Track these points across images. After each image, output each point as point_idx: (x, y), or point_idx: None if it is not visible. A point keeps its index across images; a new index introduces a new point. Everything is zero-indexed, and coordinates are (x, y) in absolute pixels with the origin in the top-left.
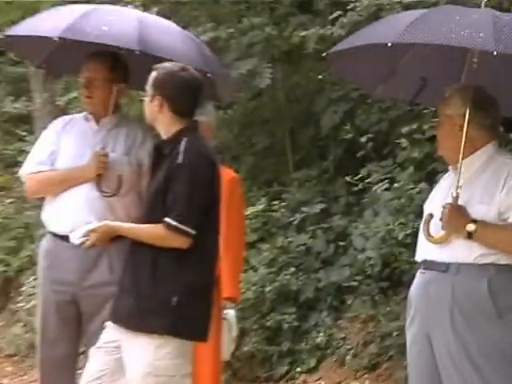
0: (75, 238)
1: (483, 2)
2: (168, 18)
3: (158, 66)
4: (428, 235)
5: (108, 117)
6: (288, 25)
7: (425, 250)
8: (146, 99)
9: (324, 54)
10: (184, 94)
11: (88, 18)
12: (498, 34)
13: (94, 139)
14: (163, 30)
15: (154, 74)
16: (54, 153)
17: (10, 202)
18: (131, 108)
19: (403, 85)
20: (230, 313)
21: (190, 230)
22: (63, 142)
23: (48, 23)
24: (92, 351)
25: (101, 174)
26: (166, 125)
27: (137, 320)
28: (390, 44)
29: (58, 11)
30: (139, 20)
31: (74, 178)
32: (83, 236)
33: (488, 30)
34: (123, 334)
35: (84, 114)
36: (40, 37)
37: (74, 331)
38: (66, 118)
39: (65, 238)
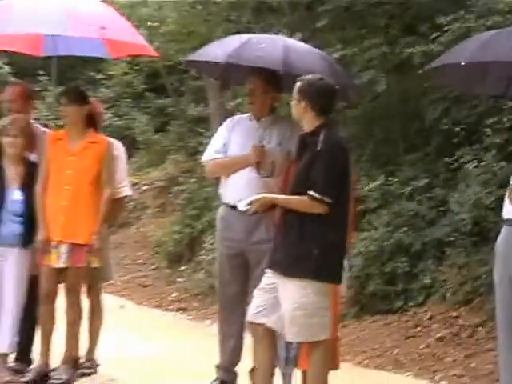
0: (242, 207)
1: None
2: (307, 41)
3: (301, 77)
4: (510, 199)
5: (265, 117)
6: (399, 44)
7: (508, 211)
8: (293, 102)
9: (420, 72)
10: (322, 98)
11: (246, 46)
12: None
13: (255, 134)
14: (303, 53)
15: (299, 83)
16: (226, 144)
17: (194, 181)
18: (282, 109)
19: (494, 84)
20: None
21: (327, 199)
22: (233, 136)
23: (218, 50)
24: (256, 291)
25: (259, 161)
26: (309, 121)
27: (287, 267)
28: (463, 63)
29: (225, 41)
30: (285, 46)
31: (240, 164)
32: (248, 205)
33: None
34: (278, 278)
35: (248, 115)
36: (212, 61)
37: (243, 276)
38: (235, 118)
39: (234, 207)
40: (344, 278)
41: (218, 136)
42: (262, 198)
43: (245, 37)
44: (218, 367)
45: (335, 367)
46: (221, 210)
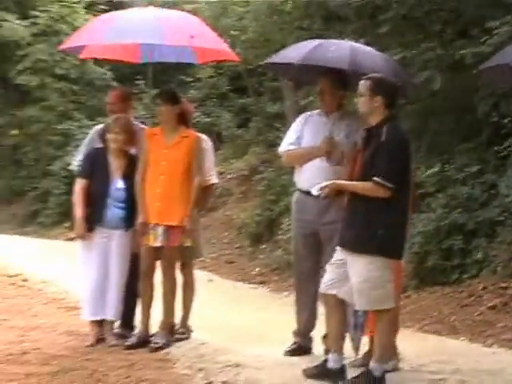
0: (314, 192)
1: None
2: (370, 45)
3: (368, 76)
4: None
5: (334, 113)
6: (452, 46)
7: None
8: (364, 98)
9: (474, 72)
10: (393, 93)
11: (317, 49)
12: None
13: (325, 128)
14: (367, 54)
15: (370, 81)
16: (299, 137)
17: (272, 170)
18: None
19: None
20: None
21: (390, 185)
22: (305, 130)
23: (292, 54)
24: (327, 266)
25: (329, 152)
26: (377, 115)
27: (355, 245)
28: None
29: (298, 45)
30: (352, 49)
31: (312, 154)
32: (319, 190)
33: None
34: (347, 254)
35: (318, 111)
36: (287, 63)
37: (316, 253)
38: (307, 114)
39: (307, 192)
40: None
41: (293, 130)
42: (332, 184)
43: (316, 41)
44: (295, 333)
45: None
46: (295, 195)
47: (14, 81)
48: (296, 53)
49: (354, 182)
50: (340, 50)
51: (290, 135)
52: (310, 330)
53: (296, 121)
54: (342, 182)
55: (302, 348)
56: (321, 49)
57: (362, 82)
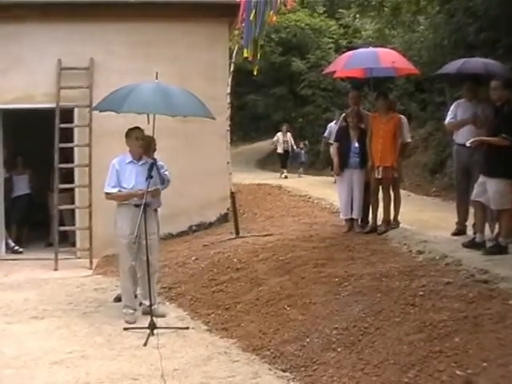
0: (468, 144)
1: None
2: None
3: (498, 78)
4: None
5: (474, 99)
6: None
7: None
8: (496, 91)
9: None
10: (510, 87)
11: (464, 64)
12: None
13: (470, 108)
14: (492, 65)
15: (499, 81)
16: (455, 115)
17: (441, 133)
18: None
19: None
20: None
21: (510, 138)
22: (458, 110)
23: (449, 68)
24: (475, 185)
25: (474, 121)
26: (502, 99)
27: (490, 172)
28: None
29: (452, 63)
30: (483, 62)
31: (464, 123)
32: (470, 143)
33: None
34: (486, 178)
35: (465, 99)
36: (447, 73)
37: (468, 178)
38: (459, 101)
39: (462, 144)
40: None
41: (451, 111)
42: (478, 139)
43: (461, 60)
44: (456, 223)
45: None
46: (455, 146)
47: (298, 93)
48: (452, 67)
49: (490, 138)
50: (476, 63)
51: (450, 113)
52: (466, 221)
53: (452, 105)
54: (483, 138)
55: (460, 231)
56: (466, 64)
57: (494, 81)
